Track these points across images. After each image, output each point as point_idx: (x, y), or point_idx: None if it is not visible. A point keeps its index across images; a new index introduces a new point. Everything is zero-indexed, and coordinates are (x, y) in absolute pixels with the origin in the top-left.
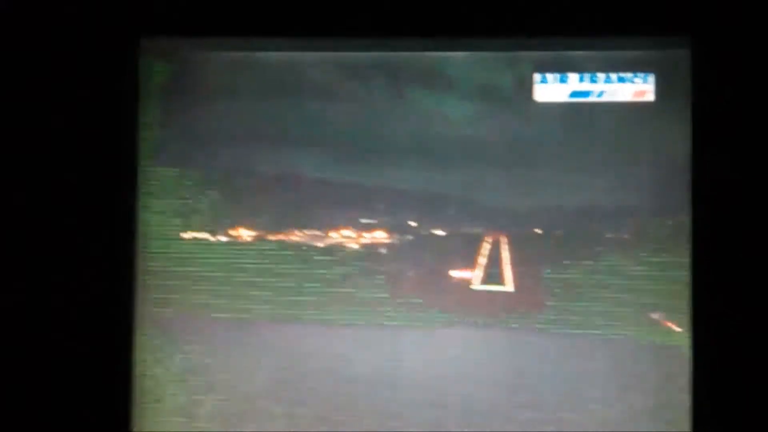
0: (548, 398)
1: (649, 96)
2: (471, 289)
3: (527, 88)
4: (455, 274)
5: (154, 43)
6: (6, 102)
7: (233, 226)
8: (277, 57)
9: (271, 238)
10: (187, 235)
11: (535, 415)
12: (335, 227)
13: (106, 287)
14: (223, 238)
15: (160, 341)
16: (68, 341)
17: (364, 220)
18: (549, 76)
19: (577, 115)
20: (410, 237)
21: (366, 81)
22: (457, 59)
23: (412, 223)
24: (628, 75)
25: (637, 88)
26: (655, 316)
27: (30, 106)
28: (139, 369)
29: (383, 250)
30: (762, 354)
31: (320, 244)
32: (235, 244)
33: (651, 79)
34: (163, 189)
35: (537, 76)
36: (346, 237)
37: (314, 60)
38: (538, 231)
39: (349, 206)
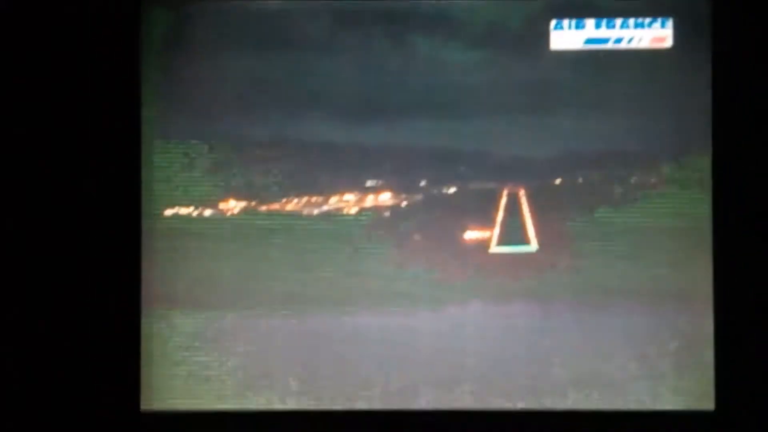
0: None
1: (668, 42)
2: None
3: (542, 35)
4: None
5: None
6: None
7: (231, 197)
8: (274, 6)
9: (265, 208)
10: (183, 209)
11: None
12: (339, 192)
13: (110, 265)
14: (219, 211)
15: (167, 319)
16: (75, 321)
17: (370, 183)
18: (564, 22)
19: (594, 62)
20: (420, 197)
21: (368, 31)
22: (466, 5)
23: (423, 183)
24: (646, 20)
25: (655, 34)
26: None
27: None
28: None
29: (391, 214)
30: None
31: (322, 212)
32: (230, 216)
33: (669, 24)
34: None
35: (552, 23)
36: (351, 202)
37: (314, 10)
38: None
39: (353, 168)
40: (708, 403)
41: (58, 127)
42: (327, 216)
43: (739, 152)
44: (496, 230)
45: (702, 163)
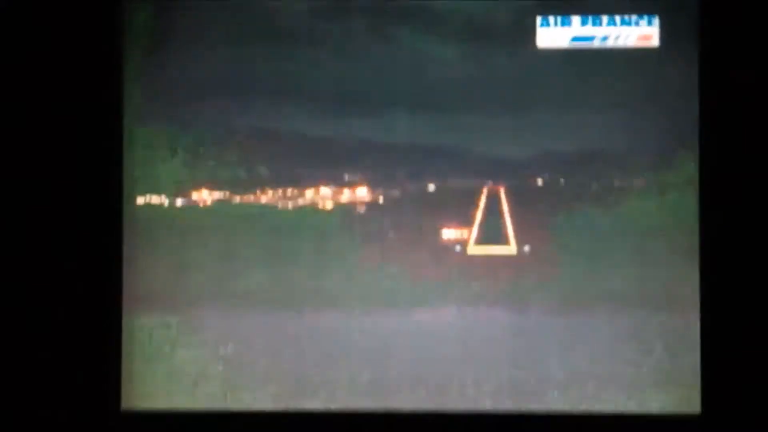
0: None
1: (654, 41)
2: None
3: (528, 31)
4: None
5: None
6: None
7: (207, 187)
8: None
9: (239, 199)
10: (162, 198)
11: None
12: (315, 186)
13: (90, 263)
14: (195, 202)
15: (147, 317)
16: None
17: (347, 177)
18: (550, 18)
19: (580, 60)
20: (398, 193)
21: (351, 25)
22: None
23: (401, 179)
24: (632, 18)
25: (641, 32)
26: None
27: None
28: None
29: (367, 210)
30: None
31: (297, 206)
32: (206, 208)
33: (656, 22)
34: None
35: (538, 19)
36: (327, 197)
37: (295, 3)
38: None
39: (331, 162)
40: (694, 406)
41: (38, 117)
42: (302, 210)
43: (727, 152)
44: (475, 229)
45: (689, 164)
